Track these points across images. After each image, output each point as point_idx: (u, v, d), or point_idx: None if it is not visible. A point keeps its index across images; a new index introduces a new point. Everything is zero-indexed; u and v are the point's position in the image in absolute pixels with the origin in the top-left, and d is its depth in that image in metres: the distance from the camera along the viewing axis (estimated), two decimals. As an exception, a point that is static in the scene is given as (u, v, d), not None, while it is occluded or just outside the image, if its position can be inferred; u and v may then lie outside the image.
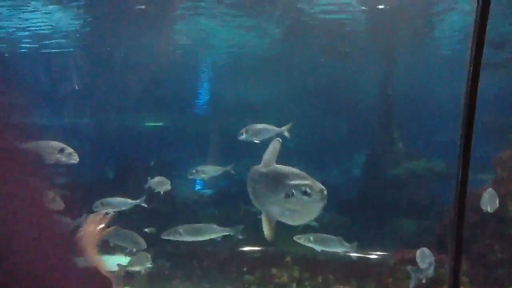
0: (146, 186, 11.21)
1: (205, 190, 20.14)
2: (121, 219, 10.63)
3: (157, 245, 11.29)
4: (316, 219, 4.43)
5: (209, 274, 12.20)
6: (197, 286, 12.05)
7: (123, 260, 9.64)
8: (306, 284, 11.70)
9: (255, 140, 10.18)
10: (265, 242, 12.50)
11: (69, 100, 20.57)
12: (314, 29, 18.21)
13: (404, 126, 19.39)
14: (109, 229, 3.52)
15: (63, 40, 19.94)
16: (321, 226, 10.86)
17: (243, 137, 10.30)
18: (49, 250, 1.52)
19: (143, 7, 16.51)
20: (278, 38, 20.21)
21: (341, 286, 11.57)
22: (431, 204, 15.69)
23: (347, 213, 15.63)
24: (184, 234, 9.70)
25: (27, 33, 19.04)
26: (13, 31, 18.70)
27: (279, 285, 11.77)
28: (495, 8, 2.84)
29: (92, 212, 9.83)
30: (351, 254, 10.23)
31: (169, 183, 11.24)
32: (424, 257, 8.40)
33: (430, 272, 8.33)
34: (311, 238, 9.53)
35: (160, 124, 26.13)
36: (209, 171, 12.13)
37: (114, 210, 9.99)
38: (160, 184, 11.23)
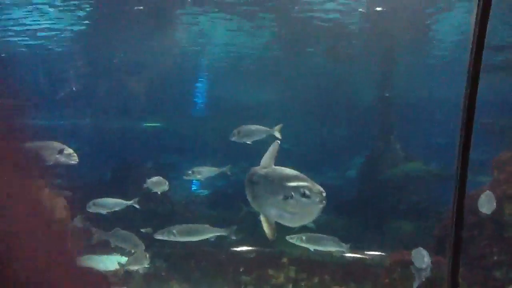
0: (144, 186, 11.22)
1: (202, 191, 20.17)
2: (119, 219, 10.64)
3: (154, 246, 11.28)
4: (313, 220, 4.41)
5: (206, 275, 12.18)
6: (194, 287, 12.04)
7: (122, 260, 9.66)
8: (303, 284, 11.69)
9: (247, 141, 10.26)
10: (262, 243, 12.55)
11: (67, 101, 20.55)
12: (313, 31, 18.23)
13: (402, 128, 19.42)
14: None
15: (60, 41, 19.93)
16: (318, 227, 10.85)
17: (235, 138, 10.39)
18: (50, 249, 1.52)
19: (141, 7, 16.51)
20: (277, 40, 20.23)
21: (338, 287, 11.57)
22: (428, 205, 15.73)
23: (345, 214, 15.64)
24: (177, 235, 9.70)
25: (24, 33, 19.01)
26: (10, 31, 18.68)
27: (276, 285, 11.77)
28: (494, 9, 2.85)
29: (86, 212, 9.85)
30: (347, 255, 10.24)
31: (166, 183, 11.24)
32: (421, 256, 8.40)
33: (428, 272, 8.33)
34: (304, 237, 9.51)
35: (158, 125, 26.13)
36: (206, 172, 12.15)
37: (107, 210, 10.02)
38: (158, 184, 11.23)
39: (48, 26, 18.38)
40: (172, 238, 9.71)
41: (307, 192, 4.03)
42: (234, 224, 10.59)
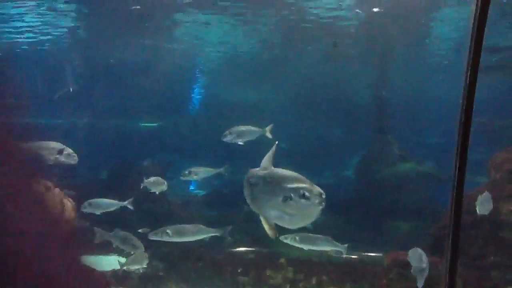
0: (142, 186, 11.23)
1: (198, 191, 20.17)
2: (117, 219, 10.64)
3: (152, 247, 11.28)
4: (310, 221, 4.42)
5: (204, 275, 12.18)
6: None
7: (120, 260, 9.67)
8: (300, 285, 11.70)
9: (239, 141, 10.30)
10: (260, 243, 12.55)
11: (63, 101, 20.51)
12: (310, 30, 18.24)
13: (398, 128, 19.45)
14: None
15: (57, 41, 19.91)
16: (314, 228, 10.86)
17: (226, 138, 10.45)
18: (54, 249, 1.53)
19: (138, 7, 16.50)
20: (274, 40, 20.25)
21: (335, 288, 11.59)
22: (425, 205, 15.74)
23: (341, 214, 15.64)
24: (171, 235, 9.69)
25: (21, 34, 18.99)
26: (9, 31, 18.66)
27: (273, 286, 11.77)
28: (491, 9, 2.87)
29: (86, 213, 9.86)
30: (345, 256, 10.25)
31: (165, 183, 11.26)
32: (418, 256, 8.41)
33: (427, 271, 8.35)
34: (297, 238, 9.50)
35: (155, 124, 26.08)
36: (202, 172, 12.16)
37: (101, 211, 10.03)
38: (156, 184, 11.24)
39: (46, 26, 18.36)
40: (166, 239, 9.71)
41: (306, 193, 4.03)
42: (233, 224, 10.60)
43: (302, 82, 23.04)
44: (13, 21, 17.71)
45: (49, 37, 19.49)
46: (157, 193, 11.43)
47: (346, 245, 9.82)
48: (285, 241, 9.57)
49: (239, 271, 12.01)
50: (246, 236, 13.22)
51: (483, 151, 11.54)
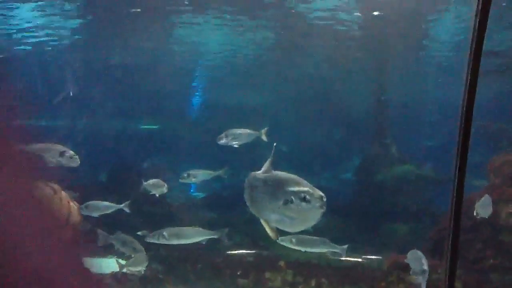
0: (141, 189, 11.22)
1: (198, 193, 20.14)
2: (117, 222, 10.62)
3: (151, 249, 11.26)
4: (310, 224, 4.41)
5: (203, 278, 12.16)
6: (191, 290, 12.03)
7: (119, 262, 9.65)
8: (299, 288, 11.70)
9: (235, 144, 10.28)
10: (259, 246, 12.52)
11: (63, 103, 20.49)
12: (309, 34, 18.25)
13: (397, 131, 19.45)
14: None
15: (56, 43, 19.89)
16: (314, 230, 10.85)
17: (222, 141, 10.42)
18: (55, 252, 1.52)
19: (138, 10, 16.51)
20: (274, 43, 20.25)
21: (334, 290, 11.57)
22: (424, 208, 15.74)
23: (341, 217, 15.62)
24: (168, 238, 9.67)
25: (19, 35, 18.97)
26: (9, 31, 18.65)
27: (273, 289, 11.76)
28: (491, 13, 2.87)
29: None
30: (344, 258, 10.24)
31: (165, 185, 11.24)
32: (417, 259, 8.40)
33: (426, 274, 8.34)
34: (293, 240, 9.47)
35: (155, 127, 26.06)
36: (201, 174, 12.15)
37: (99, 213, 10.01)
38: (156, 186, 11.22)
39: (46, 28, 18.36)
40: (163, 241, 9.69)
41: (307, 197, 4.02)
42: (232, 227, 10.59)
43: (302, 85, 23.04)
44: (13, 21, 17.71)
45: (49, 38, 19.48)
46: (157, 195, 11.41)
47: (345, 246, 9.79)
48: (281, 243, 9.56)
49: (238, 273, 11.99)
50: (245, 239, 13.22)
51: (482, 154, 11.55)
